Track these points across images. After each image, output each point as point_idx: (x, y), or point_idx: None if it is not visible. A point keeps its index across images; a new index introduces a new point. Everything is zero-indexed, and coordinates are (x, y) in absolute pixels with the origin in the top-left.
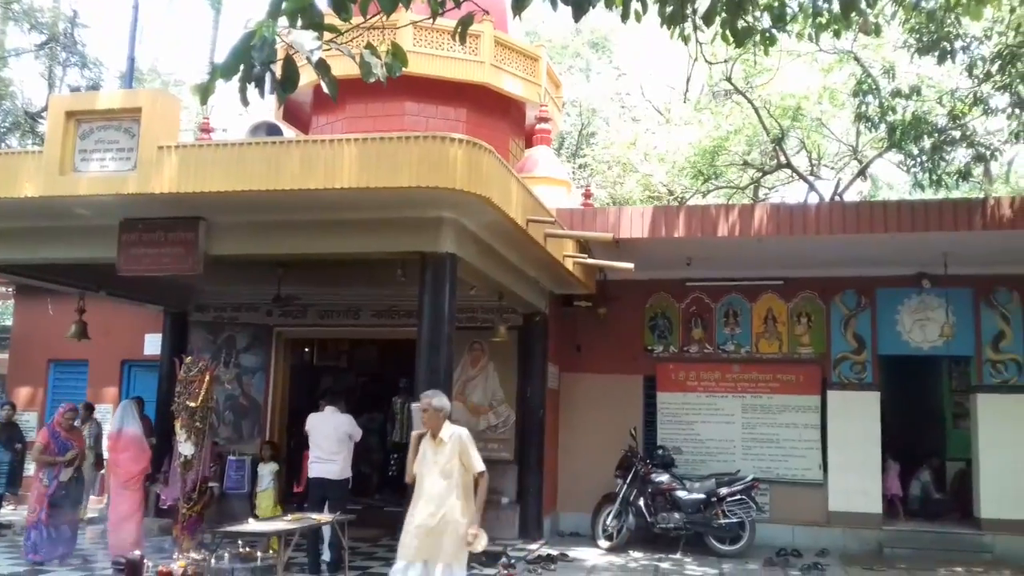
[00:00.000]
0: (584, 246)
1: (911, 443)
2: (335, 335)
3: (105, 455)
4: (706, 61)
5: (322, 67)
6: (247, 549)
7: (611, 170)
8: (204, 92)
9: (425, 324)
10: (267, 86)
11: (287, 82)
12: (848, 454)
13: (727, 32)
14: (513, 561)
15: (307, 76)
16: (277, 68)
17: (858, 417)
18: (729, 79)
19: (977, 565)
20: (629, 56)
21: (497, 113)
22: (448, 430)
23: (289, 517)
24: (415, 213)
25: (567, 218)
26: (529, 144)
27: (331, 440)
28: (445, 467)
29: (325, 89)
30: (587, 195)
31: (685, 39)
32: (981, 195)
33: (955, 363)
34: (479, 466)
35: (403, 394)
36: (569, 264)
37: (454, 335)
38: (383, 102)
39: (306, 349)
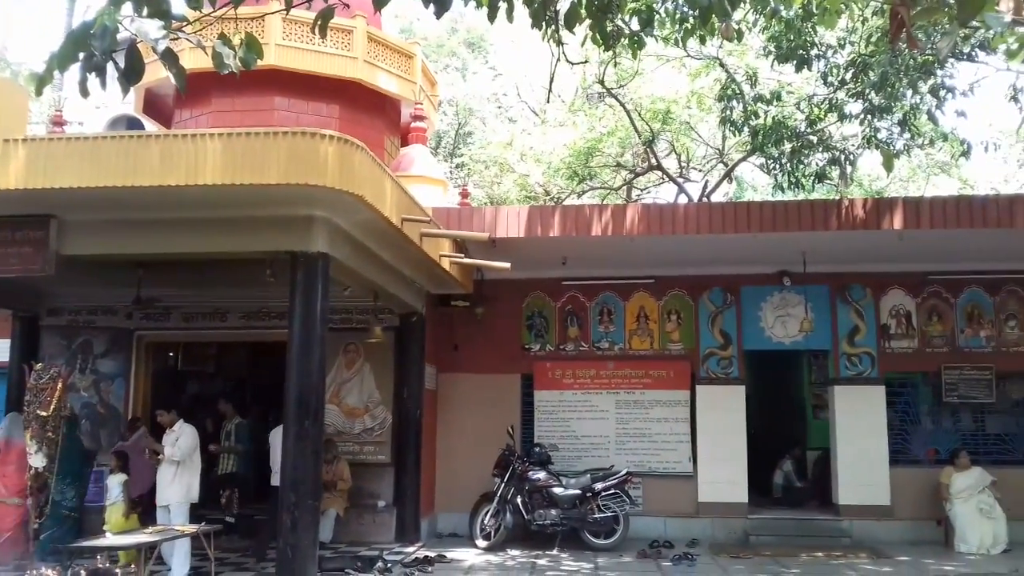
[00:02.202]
0: (461, 246)
1: (775, 434)
2: (201, 338)
3: None
4: (568, 63)
5: (169, 57)
6: (105, 564)
7: (488, 170)
8: (40, 82)
9: (297, 326)
10: (110, 76)
11: (131, 72)
12: (716, 446)
13: (596, 35)
14: (389, 565)
15: None
16: (122, 57)
17: (725, 410)
18: (601, 82)
19: (836, 549)
20: (505, 56)
21: (371, 110)
22: None
23: (150, 529)
24: (285, 211)
25: (443, 217)
26: (405, 142)
27: None
28: None
29: (172, 81)
30: (464, 194)
31: (556, 41)
32: (837, 197)
33: (814, 357)
34: None
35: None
36: (446, 264)
37: (327, 337)
38: (251, 96)
39: (170, 353)
